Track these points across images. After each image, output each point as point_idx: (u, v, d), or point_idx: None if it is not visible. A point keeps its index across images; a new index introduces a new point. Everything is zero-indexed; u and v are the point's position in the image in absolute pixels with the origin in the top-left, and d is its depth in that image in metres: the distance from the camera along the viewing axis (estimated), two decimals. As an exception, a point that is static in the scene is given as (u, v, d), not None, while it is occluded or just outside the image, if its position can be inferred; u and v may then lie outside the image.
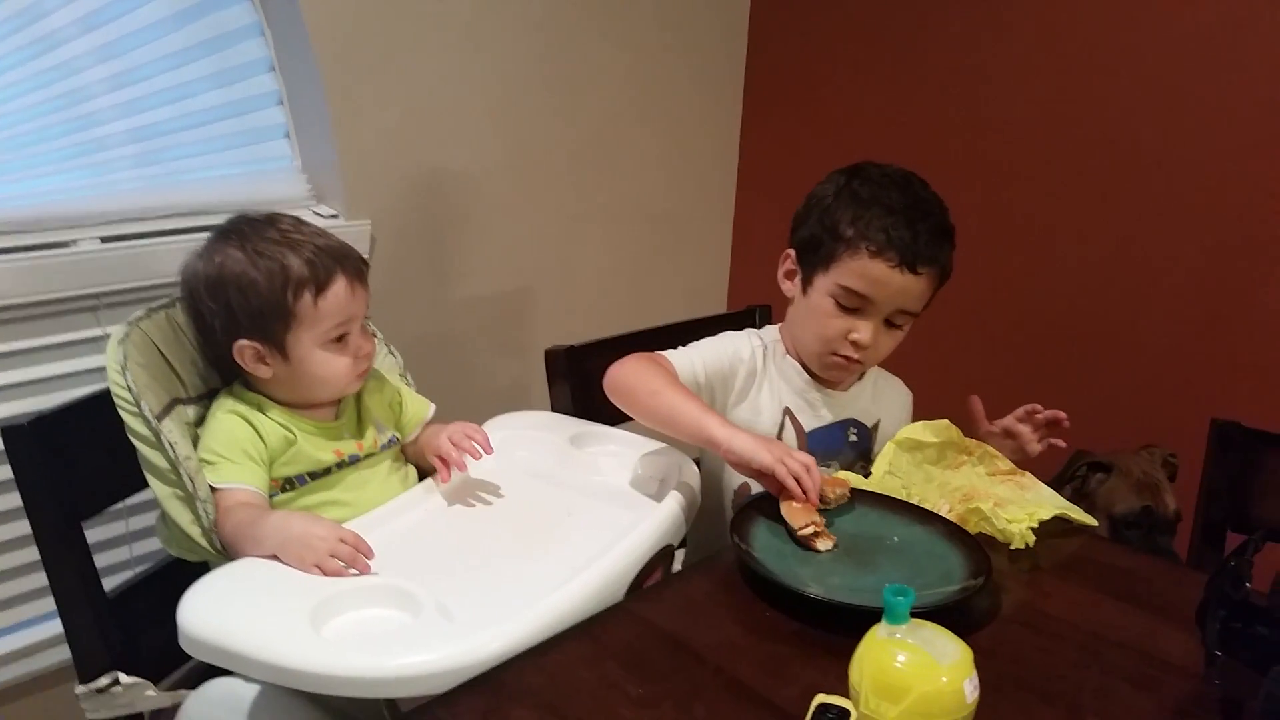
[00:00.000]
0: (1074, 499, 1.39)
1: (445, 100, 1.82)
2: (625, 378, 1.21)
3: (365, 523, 1.05)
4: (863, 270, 1.21)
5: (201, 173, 1.64)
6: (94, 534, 1.11)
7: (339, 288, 1.10)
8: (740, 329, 1.39)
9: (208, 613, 0.89)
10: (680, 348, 1.29)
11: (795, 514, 1.05)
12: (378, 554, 0.97)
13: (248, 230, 1.12)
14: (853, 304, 1.23)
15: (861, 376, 1.36)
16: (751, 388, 1.31)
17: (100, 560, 1.11)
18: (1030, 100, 1.88)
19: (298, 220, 1.16)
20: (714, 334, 1.35)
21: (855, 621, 0.78)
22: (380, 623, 0.90)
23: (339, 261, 1.11)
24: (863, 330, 1.23)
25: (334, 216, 1.74)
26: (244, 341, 1.11)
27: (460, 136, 1.86)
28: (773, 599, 0.96)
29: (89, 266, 1.44)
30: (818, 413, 1.32)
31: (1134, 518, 1.45)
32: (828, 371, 1.30)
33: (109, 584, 1.12)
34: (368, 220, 1.75)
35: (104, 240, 1.47)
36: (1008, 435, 1.29)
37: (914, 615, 0.72)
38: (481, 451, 1.15)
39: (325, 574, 0.94)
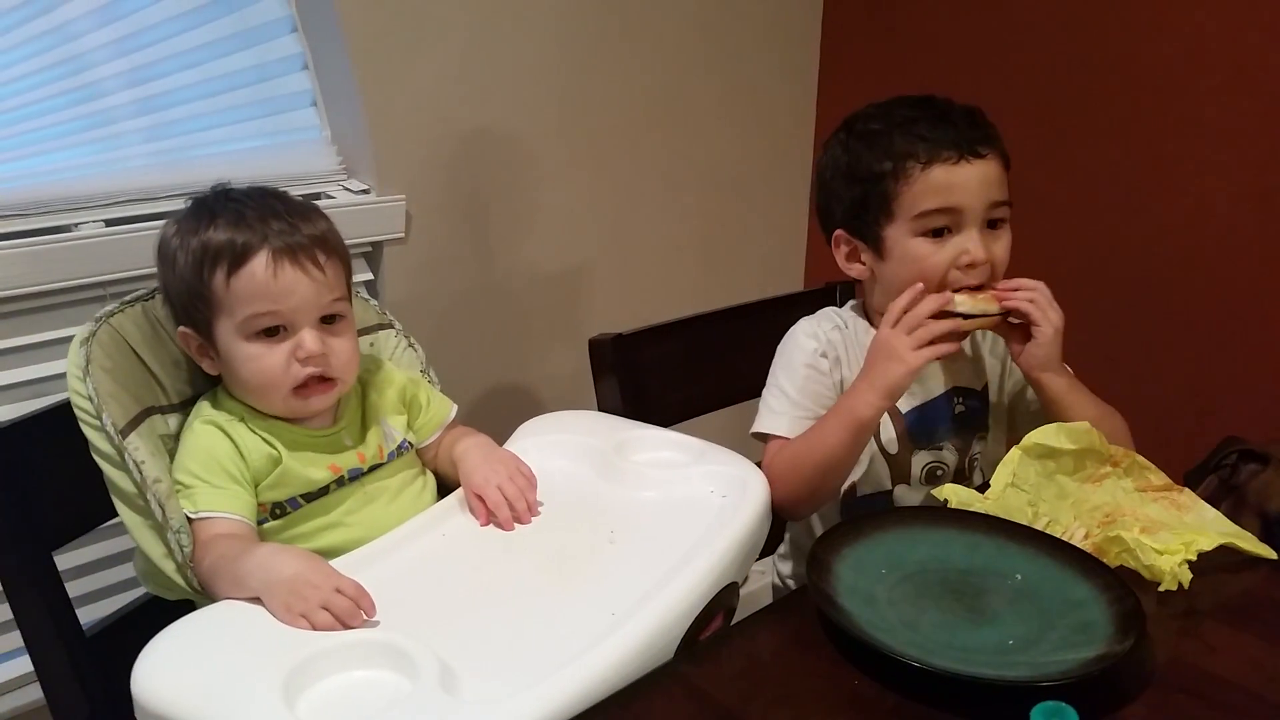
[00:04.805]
0: (1220, 492, 1.22)
1: (487, 55, 1.65)
2: (782, 482, 1.07)
3: (363, 556, 0.89)
4: (928, 185, 1.08)
5: (219, 147, 1.51)
6: (67, 559, 0.96)
7: (256, 266, 0.92)
8: (817, 309, 1.24)
9: (165, 677, 0.74)
10: (769, 406, 1.16)
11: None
12: (374, 594, 0.80)
13: (214, 200, 0.98)
14: (943, 223, 1.09)
15: None
16: (839, 374, 1.17)
17: (76, 589, 0.97)
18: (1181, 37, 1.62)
19: (277, 193, 1.00)
20: (790, 316, 1.22)
21: (974, 696, 0.67)
22: (370, 689, 0.73)
23: (267, 234, 0.93)
24: (970, 243, 1.08)
25: (365, 191, 1.59)
26: (183, 328, 0.98)
27: (504, 96, 1.69)
28: (864, 662, 0.76)
29: (94, 252, 1.32)
30: (914, 387, 1.15)
31: None
32: None
33: (87, 616, 0.98)
34: (402, 195, 1.59)
35: (110, 223, 1.36)
36: None
37: (1045, 689, 0.65)
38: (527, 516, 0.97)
39: (314, 628, 0.78)
